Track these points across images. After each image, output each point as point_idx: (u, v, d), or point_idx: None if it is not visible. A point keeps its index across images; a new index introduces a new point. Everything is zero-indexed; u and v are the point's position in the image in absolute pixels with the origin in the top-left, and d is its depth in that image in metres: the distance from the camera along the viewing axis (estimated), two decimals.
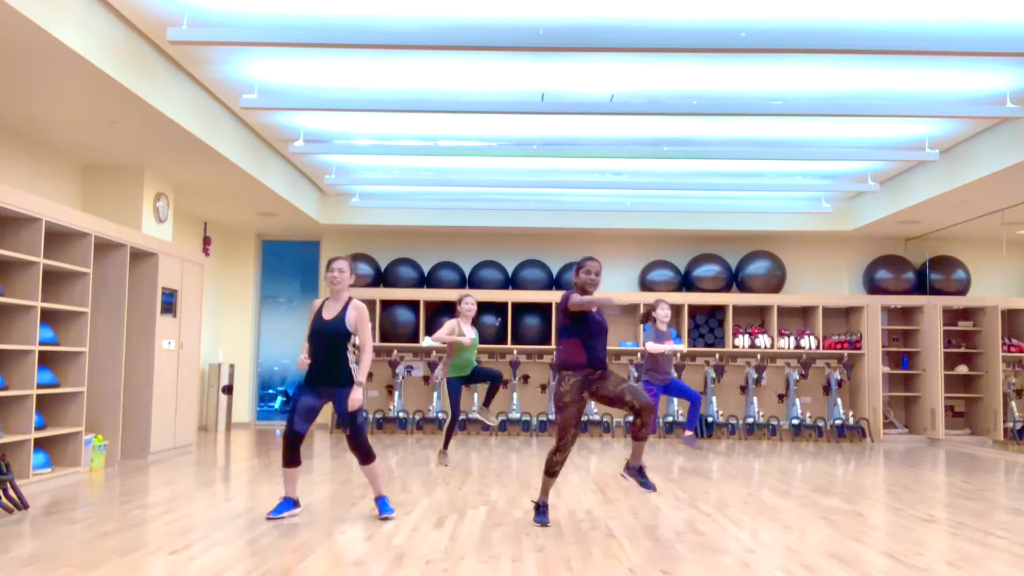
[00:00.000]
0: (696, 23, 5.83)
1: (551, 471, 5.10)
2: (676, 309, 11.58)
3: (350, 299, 5.18)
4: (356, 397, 5.02)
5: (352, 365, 5.14)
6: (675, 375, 8.08)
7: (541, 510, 5.15)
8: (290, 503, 5.22)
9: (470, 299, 7.88)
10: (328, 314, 5.12)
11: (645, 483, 5.29)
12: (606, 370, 5.13)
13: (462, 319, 7.78)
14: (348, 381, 5.07)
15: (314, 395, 5.13)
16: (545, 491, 5.20)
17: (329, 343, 5.09)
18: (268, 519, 5.11)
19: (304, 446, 9.61)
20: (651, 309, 8.00)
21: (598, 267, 5.12)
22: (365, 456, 5.13)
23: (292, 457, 5.14)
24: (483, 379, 7.92)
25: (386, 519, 5.14)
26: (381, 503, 5.25)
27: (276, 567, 3.96)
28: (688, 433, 8.15)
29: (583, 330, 5.04)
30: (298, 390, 5.18)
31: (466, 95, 7.35)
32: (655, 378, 7.90)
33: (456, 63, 6.69)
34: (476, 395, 11.19)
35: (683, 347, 8.01)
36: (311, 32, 5.89)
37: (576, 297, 5.00)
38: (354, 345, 5.19)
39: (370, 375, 11.84)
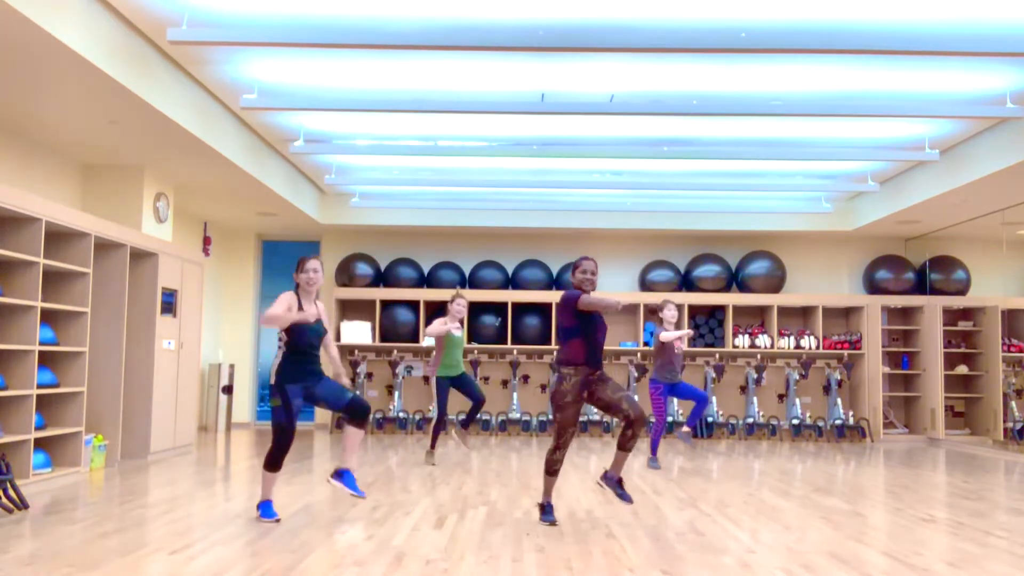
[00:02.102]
0: (696, 23, 5.83)
1: (551, 470, 5.13)
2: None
3: (315, 295, 5.32)
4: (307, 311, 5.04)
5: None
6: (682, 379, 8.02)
7: (547, 510, 5.16)
8: (270, 506, 5.14)
9: (462, 300, 8.00)
10: (310, 316, 5.09)
11: (622, 495, 5.25)
12: (603, 371, 5.18)
13: (450, 318, 7.89)
14: (322, 371, 5.16)
15: (302, 396, 5.09)
16: (547, 491, 5.21)
17: (316, 343, 5.14)
18: (261, 519, 5.07)
19: (304, 446, 9.61)
20: (656, 309, 8.03)
21: (593, 266, 5.19)
22: (365, 420, 5.11)
23: (281, 463, 5.06)
24: (468, 394, 8.00)
25: (355, 497, 5.24)
26: (350, 478, 5.19)
27: (276, 567, 3.96)
28: (686, 429, 8.13)
29: (587, 330, 5.08)
30: (284, 392, 4.99)
31: (466, 95, 7.35)
32: (664, 376, 7.85)
33: (456, 63, 6.69)
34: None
35: (689, 332, 8.02)
36: (311, 32, 5.90)
37: (587, 297, 5.03)
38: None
39: (370, 374, 11.85)
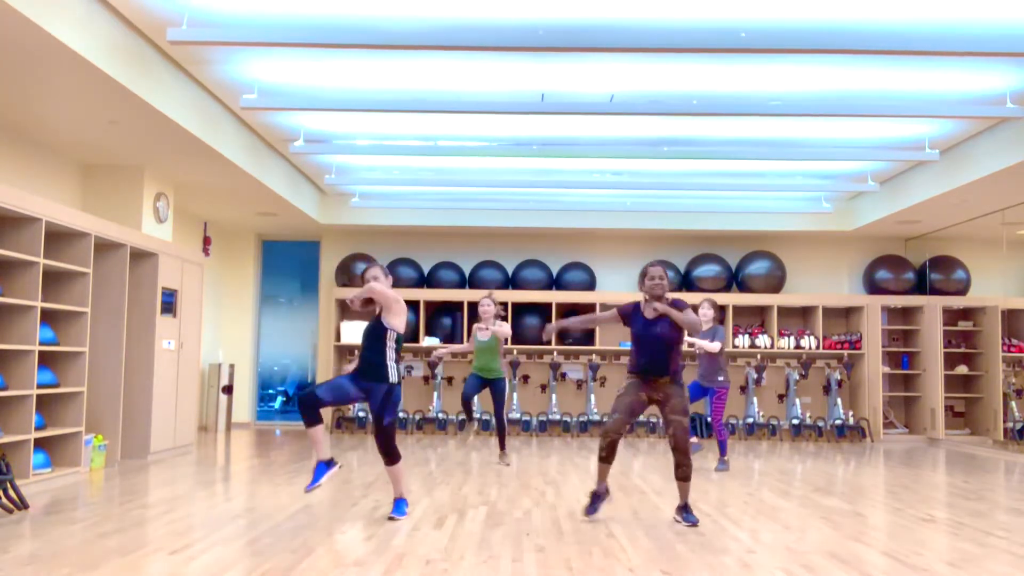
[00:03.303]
0: (696, 23, 5.83)
1: (599, 455, 5.27)
2: None
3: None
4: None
5: (391, 363, 5.19)
6: (716, 383, 7.85)
7: (592, 499, 5.29)
8: (324, 466, 5.23)
9: (485, 301, 8.05)
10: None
11: (686, 518, 5.21)
12: (671, 381, 5.21)
13: (479, 323, 8.05)
14: (384, 378, 5.15)
15: (355, 384, 5.20)
16: (597, 478, 5.33)
17: (369, 334, 5.23)
18: (307, 491, 5.26)
19: (305, 446, 9.61)
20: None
21: (659, 271, 5.29)
22: (389, 457, 5.19)
23: (312, 415, 5.14)
24: (493, 402, 8.10)
25: (394, 519, 5.15)
26: (398, 504, 5.29)
27: (276, 567, 3.96)
28: (724, 458, 7.99)
29: (635, 338, 5.32)
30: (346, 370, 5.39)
31: (466, 95, 7.35)
32: (704, 381, 7.88)
33: (456, 63, 6.69)
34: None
35: (708, 344, 7.76)
36: (311, 32, 5.89)
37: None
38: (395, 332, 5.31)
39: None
